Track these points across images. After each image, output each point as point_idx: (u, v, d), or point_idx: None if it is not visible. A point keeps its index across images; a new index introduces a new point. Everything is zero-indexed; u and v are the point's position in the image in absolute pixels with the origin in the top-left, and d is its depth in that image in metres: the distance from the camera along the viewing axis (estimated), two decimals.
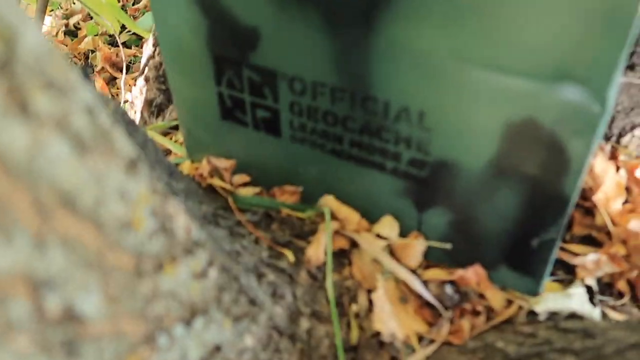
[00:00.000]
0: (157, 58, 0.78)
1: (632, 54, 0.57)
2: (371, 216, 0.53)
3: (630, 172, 0.58)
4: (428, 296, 0.48)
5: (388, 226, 0.51)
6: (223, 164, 0.57)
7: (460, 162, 0.45)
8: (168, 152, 0.70)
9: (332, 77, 0.46)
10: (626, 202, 0.59)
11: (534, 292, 0.49)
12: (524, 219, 0.45)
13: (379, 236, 0.51)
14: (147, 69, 0.79)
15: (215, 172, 0.58)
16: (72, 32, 1.30)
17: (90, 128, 0.21)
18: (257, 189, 0.57)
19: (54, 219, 0.19)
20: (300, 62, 0.47)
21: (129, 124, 0.45)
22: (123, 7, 1.36)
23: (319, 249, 0.50)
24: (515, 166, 0.42)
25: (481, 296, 0.50)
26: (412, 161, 0.47)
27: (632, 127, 0.61)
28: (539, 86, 0.38)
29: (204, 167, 0.57)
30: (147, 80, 0.80)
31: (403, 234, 0.52)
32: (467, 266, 0.50)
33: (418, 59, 0.41)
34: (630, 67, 0.57)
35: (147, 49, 0.80)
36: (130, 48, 1.25)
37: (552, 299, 0.47)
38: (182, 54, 0.53)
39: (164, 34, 0.53)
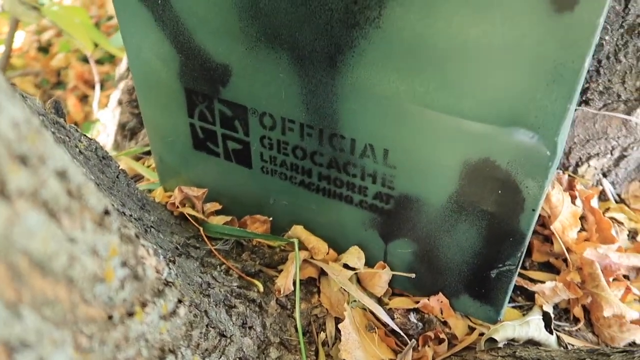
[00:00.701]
0: (130, 82, 0.79)
1: (586, 90, 0.60)
2: (339, 246, 0.55)
3: (586, 202, 0.60)
4: (393, 324, 0.50)
5: (355, 256, 0.53)
6: (194, 192, 0.59)
7: (423, 197, 0.47)
8: (141, 177, 0.71)
9: (301, 114, 0.48)
10: (583, 230, 0.62)
11: (494, 320, 0.51)
12: (483, 252, 0.47)
13: (346, 266, 0.53)
14: (119, 92, 0.80)
15: (186, 200, 0.59)
16: (44, 49, 1.29)
17: (62, 192, 0.22)
18: (228, 218, 0.59)
19: (28, 284, 0.20)
20: (270, 99, 0.48)
21: (102, 159, 0.46)
22: (97, 24, 1.36)
23: (288, 279, 0.52)
24: (474, 203, 0.45)
25: (444, 323, 0.52)
26: (377, 195, 0.49)
27: (588, 158, 0.64)
28: (495, 130, 0.40)
29: (176, 196, 0.58)
30: (120, 103, 0.80)
31: (369, 263, 0.53)
32: (431, 295, 0.52)
33: (381, 101, 0.43)
34: (585, 102, 0.60)
35: (120, 72, 0.80)
36: (103, 64, 1.26)
37: (511, 327, 0.49)
38: (155, 86, 0.54)
39: (136, 66, 0.54)
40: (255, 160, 0.54)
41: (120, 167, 0.48)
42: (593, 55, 0.58)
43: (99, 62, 1.23)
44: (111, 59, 1.26)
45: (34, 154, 0.20)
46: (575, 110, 0.61)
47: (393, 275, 0.53)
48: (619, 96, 0.59)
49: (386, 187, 0.48)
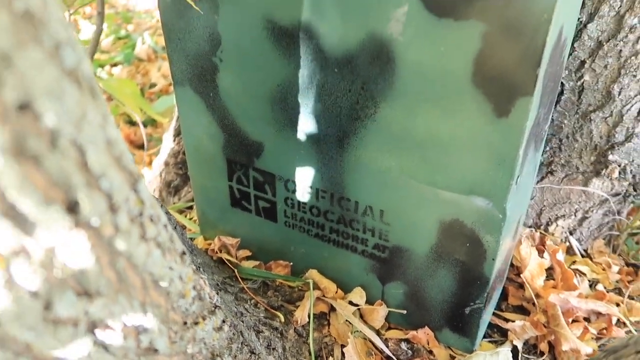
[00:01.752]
0: (176, 147, 0.95)
1: (551, 162, 0.73)
2: (345, 286, 0.68)
3: (553, 255, 0.73)
4: (388, 351, 0.62)
5: (358, 295, 0.66)
6: (230, 241, 0.72)
7: (411, 248, 0.60)
8: (183, 227, 0.85)
9: (317, 181, 0.62)
10: (552, 278, 0.73)
11: (470, 350, 0.63)
12: (458, 293, 0.60)
13: (351, 303, 0.65)
14: (166, 155, 0.95)
15: (223, 247, 0.73)
16: None
17: (167, 237, 0.36)
18: (256, 262, 0.72)
19: (149, 293, 0.34)
20: (293, 169, 0.62)
21: (164, 213, 0.60)
22: (142, 90, 1.54)
23: (304, 312, 0.64)
24: (449, 253, 0.57)
25: (430, 352, 0.64)
26: (376, 246, 0.62)
27: (556, 219, 0.76)
28: (461, 198, 0.53)
29: (215, 244, 0.72)
30: (167, 164, 0.96)
31: (370, 301, 0.66)
32: (419, 328, 0.64)
33: (377, 174, 0.57)
34: (551, 173, 0.74)
35: (168, 139, 0.96)
36: (146, 127, 1.43)
37: (482, 356, 0.61)
38: (203, 156, 0.69)
39: (189, 140, 0.69)
40: (280, 216, 0.68)
41: (176, 220, 0.62)
42: (555, 135, 0.72)
43: (143, 124, 1.40)
44: (153, 122, 1.43)
45: (155, 214, 0.34)
46: (542, 179, 0.74)
47: (389, 311, 0.65)
48: (577, 168, 0.72)
49: (382, 240, 0.61)
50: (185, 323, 0.40)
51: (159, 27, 1.89)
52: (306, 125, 0.58)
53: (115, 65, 1.65)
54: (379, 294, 0.66)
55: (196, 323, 0.42)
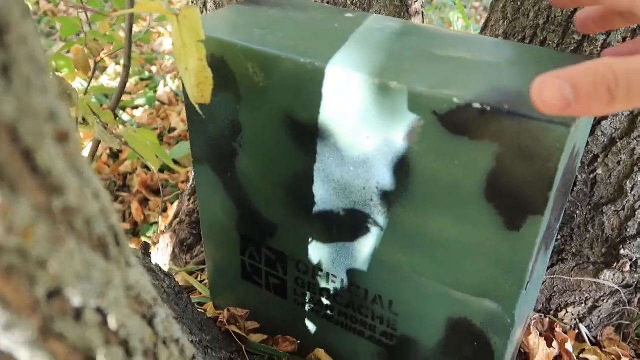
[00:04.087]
0: (191, 206, 0.96)
1: (562, 251, 0.73)
2: None
3: (562, 344, 0.72)
4: None
5: None
6: (239, 312, 0.73)
7: (419, 339, 0.60)
8: (194, 289, 0.86)
9: (328, 266, 0.62)
10: None
11: None
12: None
13: None
14: (182, 213, 0.97)
15: (232, 318, 0.74)
16: (115, 155, 1.51)
17: (178, 351, 0.37)
18: (264, 336, 0.72)
19: None
20: (305, 252, 0.63)
21: (177, 293, 0.61)
22: (160, 135, 1.57)
23: None
24: (456, 350, 0.58)
25: None
26: (383, 333, 0.63)
27: (566, 305, 0.76)
28: (469, 298, 0.54)
29: (225, 315, 0.72)
30: (181, 222, 0.97)
31: None
32: None
33: (388, 266, 0.57)
34: (561, 260, 0.74)
35: (184, 198, 0.98)
36: (162, 172, 1.45)
37: None
38: (218, 230, 0.71)
39: (205, 214, 0.71)
40: (289, 293, 0.68)
41: (188, 298, 0.63)
42: (567, 225, 0.72)
43: (160, 170, 1.42)
44: (170, 168, 1.45)
45: (168, 336, 0.35)
46: (553, 266, 0.74)
47: None
48: (588, 258, 0.72)
49: (390, 328, 0.62)
50: None
51: None
52: (320, 214, 0.59)
53: (136, 107, 1.68)
54: None
55: None
